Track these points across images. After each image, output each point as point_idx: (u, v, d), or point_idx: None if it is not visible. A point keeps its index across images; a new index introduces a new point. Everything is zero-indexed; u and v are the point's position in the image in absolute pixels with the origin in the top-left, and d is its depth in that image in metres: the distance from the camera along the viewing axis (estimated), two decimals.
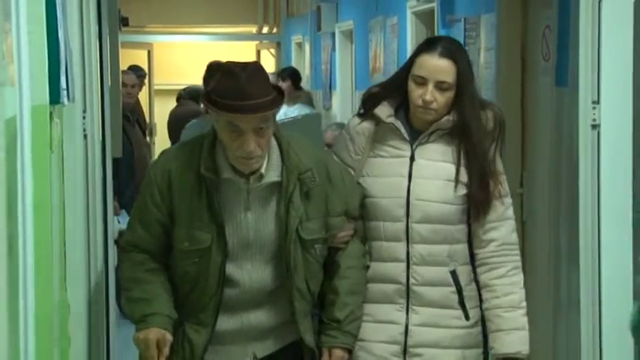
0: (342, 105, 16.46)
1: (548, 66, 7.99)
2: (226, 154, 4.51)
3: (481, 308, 4.79)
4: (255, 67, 4.56)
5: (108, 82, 6.05)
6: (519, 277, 4.88)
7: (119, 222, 9.07)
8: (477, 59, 9.80)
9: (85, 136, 5.22)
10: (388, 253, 4.72)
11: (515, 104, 8.93)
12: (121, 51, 9.07)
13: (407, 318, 4.66)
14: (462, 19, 10.23)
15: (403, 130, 4.67)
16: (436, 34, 11.13)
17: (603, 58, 5.57)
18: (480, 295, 4.85)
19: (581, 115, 5.76)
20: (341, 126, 8.48)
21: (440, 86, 4.44)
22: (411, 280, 4.67)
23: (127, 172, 11.53)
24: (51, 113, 4.37)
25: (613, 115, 5.59)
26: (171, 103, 16.95)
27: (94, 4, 5.37)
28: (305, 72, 17.65)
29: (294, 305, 4.66)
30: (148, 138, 15.16)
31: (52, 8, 4.37)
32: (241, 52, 22.17)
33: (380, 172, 4.78)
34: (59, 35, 4.44)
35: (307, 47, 19.65)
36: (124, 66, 12.14)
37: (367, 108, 4.83)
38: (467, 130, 4.57)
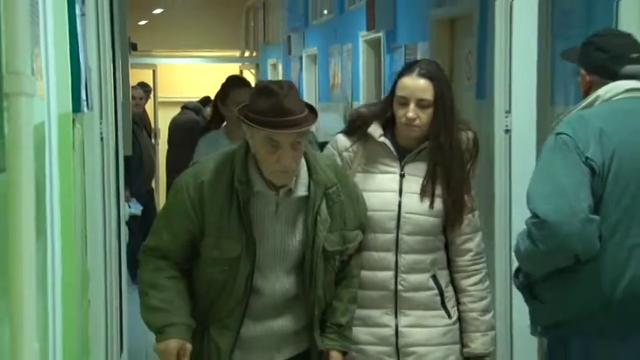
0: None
1: (471, 83, 7.96)
2: (259, 168, 3.90)
3: (458, 309, 4.41)
4: (290, 85, 3.97)
5: (120, 95, 5.94)
6: (488, 283, 4.61)
7: (129, 207, 8.99)
8: None
9: (102, 139, 5.11)
10: (378, 262, 4.24)
11: None
12: (130, 70, 8.98)
13: (396, 321, 4.26)
14: (403, 46, 10.18)
15: (392, 149, 4.27)
16: (382, 58, 11.09)
17: (513, 76, 5.61)
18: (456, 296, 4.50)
19: (496, 123, 5.86)
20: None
21: (420, 104, 4.09)
22: (399, 287, 4.25)
23: (136, 167, 11.27)
24: (73, 120, 4.32)
25: (521, 122, 5.64)
26: (172, 113, 16.84)
27: (108, 32, 5.25)
28: None
29: (314, 312, 4.09)
30: (152, 140, 14.97)
31: (74, 35, 4.30)
32: (227, 72, 21.90)
33: (372, 187, 4.32)
34: (80, 57, 4.36)
35: (280, 68, 19.39)
36: (133, 82, 11.97)
37: (356, 127, 4.43)
38: (441, 147, 4.16)
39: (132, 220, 10.11)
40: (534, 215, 3.99)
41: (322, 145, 6.20)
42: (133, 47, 12.46)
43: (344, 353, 4.20)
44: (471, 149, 4.38)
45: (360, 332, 4.25)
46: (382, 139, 4.26)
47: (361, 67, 11.92)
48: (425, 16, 9.36)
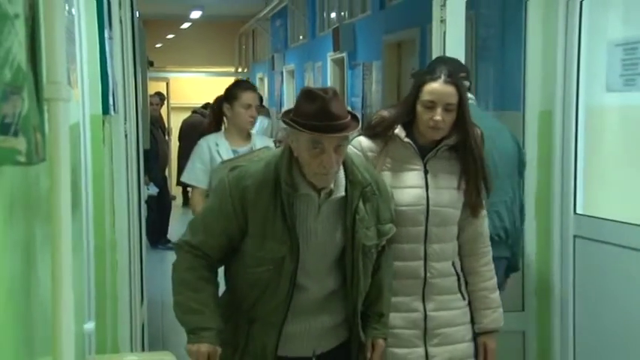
0: None
1: None
2: (303, 171, 3.34)
3: (467, 290, 3.96)
4: (334, 91, 3.44)
5: (140, 101, 5.91)
6: (493, 264, 4.14)
7: (148, 189, 8.93)
8: (370, 89, 9.76)
9: (126, 135, 5.09)
10: (409, 253, 3.77)
11: None
12: (148, 82, 8.96)
13: (424, 305, 3.81)
14: (361, 64, 10.19)
15: (416, 148, 3.83)
16: (345, 73, 11.09)
17: None
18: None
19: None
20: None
21: (447, 108, 3.64)
22: (428, 274, 3.80)
23: (153, 158, 11.07)
24: (103, 120, 4.34)
25: None
26: (182, 116, 16.79)
27: (130, 52, 5.25)
28: (265, 96, 17.54)
29: (357, 305, 3.56)
30: (166, 137, 14.87)
31: (104, 54, 4.31)
32: (224, 84, 21.86)
33: (401, 183, 3.82)
34: (108, 71, 4.36)
35: (266, 81, 19.46)
36: (150, 92, 11.95)
37: (381, 129, 3.94)
38: (468, 144, 3.76)
39: (150, 199, 10.10)
40: None
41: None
42: (151, 64, 12.42)
43: (384, 340, 3.73)
44: (480, 143, 3.99)
45: (394, 318, 3.80)
46: (407, 139, 3.87)
47: (329, 80, 12.03)
48: (378, 41, 9.37)
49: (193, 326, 3.37)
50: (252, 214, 3.35)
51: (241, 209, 3.35)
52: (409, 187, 3.82)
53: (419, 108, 3.72)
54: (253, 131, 6.05)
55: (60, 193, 1.85)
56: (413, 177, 3.83)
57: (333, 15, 12.52)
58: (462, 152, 3.81)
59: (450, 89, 3.66)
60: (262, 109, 14.83)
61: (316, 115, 3.15)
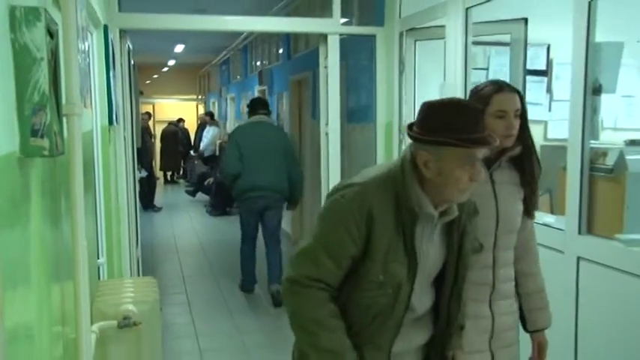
0: (232, 128, 15.80)
1: (309, 111, 7.92)
2: (424, 190, 2.05)
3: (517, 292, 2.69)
4: (465, 101, 2.49)
5: (134, 117, 5.74)
6: None
7: (140, 173, 8.78)
8: (282, 109, 9.70)
9: (125, 139, 4.96)
10: (480, 261, 2.54)
11: (296, 129, 8.86)
12: (140, 105, 8.86)
13: (491, 310, 2.57)
14: (276, 93, 10.16)
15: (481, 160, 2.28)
16: (268, 99, 11.02)
17: (330, 106, 5.45)
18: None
19: (322, 129, 5.69)
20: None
21: (516, 114, 2.48)
22: (496, 280, 2.56)
23: (143, 153, 10.71)
24: (109, 129, 4.22)
25: (333, 129, 5.48)
26: (162, 126, 16.97)
27: (127, 85, 5.13)
28: (216, 113, 17.28)
29: (458, 319, 2.28)
30: (152, 140, 14.59)
31: (110, 86, 4.15)
32: (190, 106, 22.04)
33: (474, 195, 2.27)
34: (112, 97, 4.20)
35: (217, 104, 19.05)
36: (142, 111, 11.89)
37: None
38: (529, 152, 2.58)
39: (141, 180, 10.04)
40: None
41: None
42: (141, 93, 12.19)
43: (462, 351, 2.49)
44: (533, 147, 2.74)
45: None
46: None
47: None
48: (286, 79, 9.34)
49: None
50: (377, 236, 2.04)
51: (366, 230, 2.04)
52: (481, 197, 2.45)
53: (490, 120, 2.50)
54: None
55: (75, 177, 1.78)
56: (483, 188, 2.53)
57: (258, 63, 12.43)
58: (521, 159, 2.64)
59: (516, 96, 2.55)
60: (214, 122, 14.73)
61: (475, 128, 1.98)
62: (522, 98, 2.52)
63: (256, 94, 11.84)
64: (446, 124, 1.96)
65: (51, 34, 1.50)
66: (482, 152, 2.00)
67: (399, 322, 2.12)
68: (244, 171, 6.11)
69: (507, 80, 3.29)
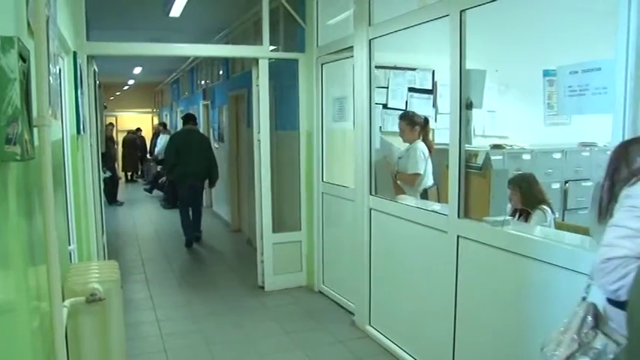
0: None
1: (244, 121, 7.85)
2: None
3: None
4: None
5: (99, 127, 5.53)
6: None
7: (104, 173, 8.48)
8: (223, 120, 9.55)
9: (91, 145, 4.78)
10: None
11: (234, 135, 8.75)
12: (105, 117, 8.56)
13: None
14: (217, 107, 9.99)
15: None
16: (209, 112, 10.84)
17: (261, 117, 5.43)
18: None
19: (254, 137, 5.66)
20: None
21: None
22: None
23: (107, 157, 10.51)
24: (77, 137, 4.05)
25: (264, 136, 5.46)
26: (123, 134, 16.38)
27: (93, 100, 4.93)
28: (169, 123, 16.82)
29: None
30: (115, 146, 13.96)
31: (77, 101, 3.99)
32: (147, 118, 21.41)
33: None
34: (80, 110, 4.04)
35: (169, 116, 18.44)
36: (106, 122, 11.44)
37: None
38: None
39: (106, 179, 9.73)
40: None
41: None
42: (105, 107, 11.82)
43: None
44: None
45: None
46: None
47: (201, 116, 11.31)
48: (226, 95, 9.18)
49: None
50: None
51: None
52: None
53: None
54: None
55: (46, 177, 1.72)
56: None
57: (203, 82, 12.21)
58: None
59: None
60: (166, 130, 14.37)
61: None
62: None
63: (201, 108, 11.65)
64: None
65: (23, 58, 1.44)
66: None
67: None
68: (179, 162, 7.40)
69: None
